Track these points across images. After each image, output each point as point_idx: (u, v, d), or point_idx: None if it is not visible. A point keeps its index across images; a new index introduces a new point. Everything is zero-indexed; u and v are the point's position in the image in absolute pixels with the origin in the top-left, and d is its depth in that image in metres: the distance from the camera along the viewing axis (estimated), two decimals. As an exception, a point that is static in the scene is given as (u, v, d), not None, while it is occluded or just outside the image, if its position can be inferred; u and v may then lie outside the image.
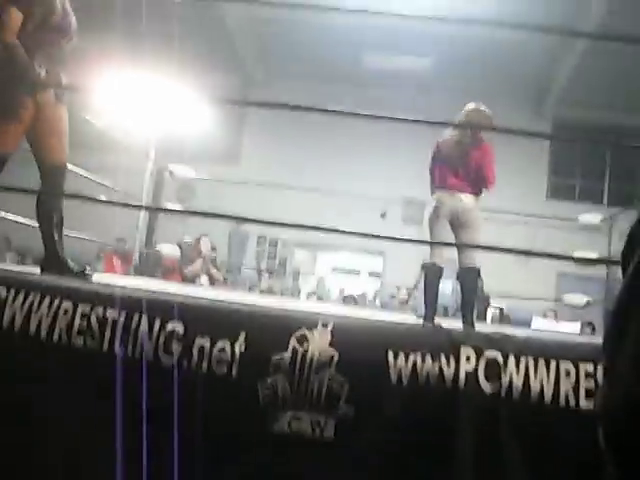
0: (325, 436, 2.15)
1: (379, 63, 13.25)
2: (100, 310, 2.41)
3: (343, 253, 14.98)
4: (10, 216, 4.75)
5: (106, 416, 2.30)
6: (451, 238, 4.23)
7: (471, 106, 4.30)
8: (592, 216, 7.54)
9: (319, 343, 2.17)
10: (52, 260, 3.55)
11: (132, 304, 2.40)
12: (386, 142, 12.73)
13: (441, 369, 2.13)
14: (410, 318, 5.20)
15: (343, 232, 4.87)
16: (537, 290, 11.35)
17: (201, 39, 11.86)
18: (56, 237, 3.61)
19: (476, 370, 2.14)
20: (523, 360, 2.17)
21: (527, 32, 10.11)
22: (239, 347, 2.21)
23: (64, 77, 3.62)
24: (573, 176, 14.96)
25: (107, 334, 2.37)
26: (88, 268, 3.54)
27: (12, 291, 2.53)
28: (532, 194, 13.91)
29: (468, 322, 3.97)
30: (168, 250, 8.32)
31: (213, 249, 8.63)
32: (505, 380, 2.14)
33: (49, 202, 3.60)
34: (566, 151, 14.69)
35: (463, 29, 10.96)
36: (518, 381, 2.14)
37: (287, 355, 2.17)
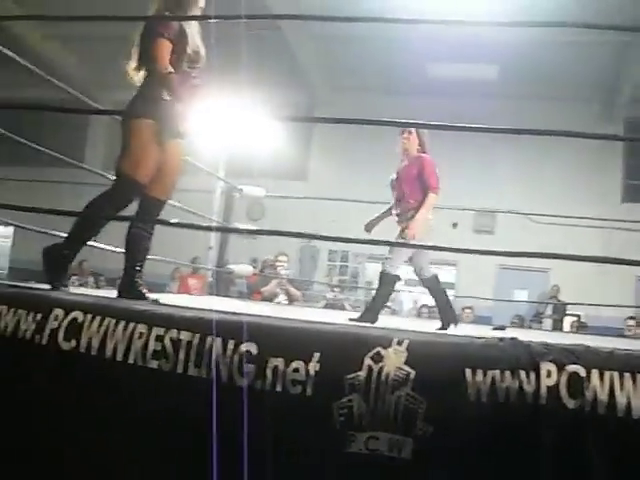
0: (403, 456, 2.10)
1: (445, 72, 13.14)
2: (174, 333, 2.42)
3: (414, 265, 14.84)
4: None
5: (180, 437, 2.31)
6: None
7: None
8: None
9: (394, 361, 2.13)
10: (130, 288, 3.60)
11: (205, 326, 2.41)
12: (454, 153, 12.59)
13: (521, 385, 2.06)
14: (485, 330, 5.11)
15: (413, 245, 4.87)
16: (615, 296, 11.04)
17: (265, 58, 11.98)
18: (138, 267, 3.65)
19: (558, 385, 2.07)
20: (607, 374, 2.08)
21: (594, 31, 9.88)
22: (313, 367, 2.19)
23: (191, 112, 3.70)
24: (648, 178, 14.53)
25: (181, 356, 2.39)
26: (160, 299, 3.55)
27: (88, 316, 2.58)
28: (606, 198, 13.57)
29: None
30: (240, 269, 8.36)
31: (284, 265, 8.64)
32: (589, 395, 2.05)
33: (141, 232, 3.64)
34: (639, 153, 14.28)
35: (529, 33, 10.78)
36: (602, 395, 2.06)
37: (362, 374, 2.13)
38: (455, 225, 13.11)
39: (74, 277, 11.49)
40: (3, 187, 14.55)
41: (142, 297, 3.51)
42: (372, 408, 2.11)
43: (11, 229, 14.36)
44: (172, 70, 3.44)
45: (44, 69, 4.57)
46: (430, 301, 12.10)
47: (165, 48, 3.45)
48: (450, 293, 13.95)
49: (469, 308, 11.29)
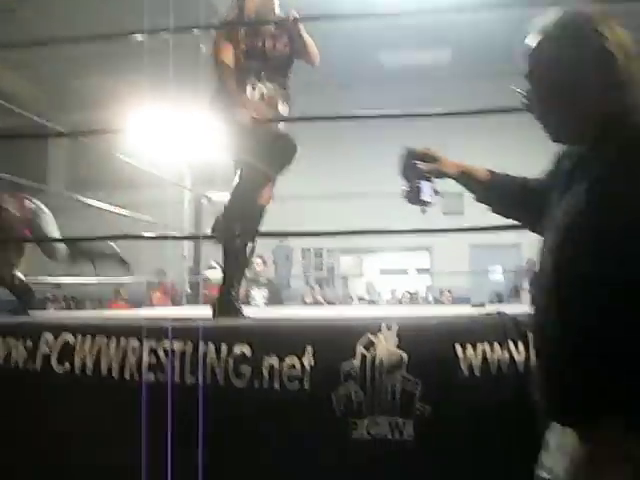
0: (405, 437, 2.15)
1: (398, 61, 13.21)
2: (167, 343, 2.45)
3: (389, 254, 14.93)
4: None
5: (187, 447, 2.33)
6: None
7: None
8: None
9: (386, 346, 2.18)
10: (226, 304, 3.41)
11: (196, 333, 2.44)
12: (413, 139, 12.64)
13: (511, 355, 2.12)
14: (466, 309, 5.18)
15: (388, 232, 4.87)
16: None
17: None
18: (235, 281, 3.49)
19: (546, 351, 2.12)
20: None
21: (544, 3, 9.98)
22: (308, 361, 2.23)
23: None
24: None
25: (177, 366, 2.41)
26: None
27: (79, 337, 2.59)
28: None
29: None
30: (215, 275, 8.37)
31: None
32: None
33: (239, 244, 3.49)
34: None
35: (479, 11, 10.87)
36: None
37: (356, 362, 2.18)
38: (424, 211, 13.19)
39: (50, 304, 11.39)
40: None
41: (238, 314, 3.36)
42: (370, 394, 2.16)
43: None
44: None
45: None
46: (411, 287, 12.24)
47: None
48: (427, 278, 14.11)
49: (448, 291, 11.40)
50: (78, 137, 5.29)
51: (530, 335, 2.13)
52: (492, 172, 1.94)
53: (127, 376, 2.48)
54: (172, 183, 7.29)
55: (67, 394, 2.58)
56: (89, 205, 5.67)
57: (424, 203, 1.98)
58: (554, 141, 1.58)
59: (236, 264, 3.52)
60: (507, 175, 1.94)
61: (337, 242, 13.39)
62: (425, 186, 1.96)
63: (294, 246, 13.05)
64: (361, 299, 11.74)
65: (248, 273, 8.33)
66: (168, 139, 6.99)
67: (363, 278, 14.73)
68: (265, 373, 2.27)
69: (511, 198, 1.88)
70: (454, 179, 1.95)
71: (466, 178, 1.94)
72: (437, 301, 11.89)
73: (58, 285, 11.90)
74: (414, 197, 1.96)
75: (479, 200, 1.96)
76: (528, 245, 13.11)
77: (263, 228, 3.65)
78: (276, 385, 2.26)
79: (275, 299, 8.46)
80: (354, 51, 12.43)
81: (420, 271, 15.07)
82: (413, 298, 11.68)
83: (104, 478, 2.44)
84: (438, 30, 11.22)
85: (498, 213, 1.96)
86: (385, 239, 12.17)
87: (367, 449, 2.18)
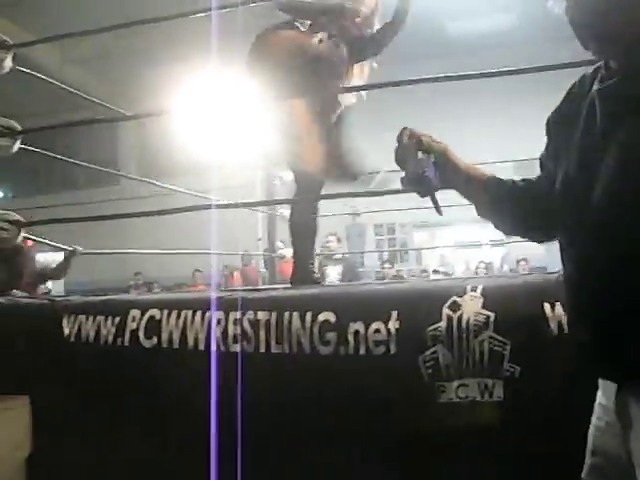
0: (494, 399, 2.12)
1: (463, 29, 12.99)
2: (251, 314, 2.47)
3: (462, 226, 14.70)
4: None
5: (273, 414, 2.35)
6: None
7: None
8: None
9: (472, 307, 2.15)
10: (300, 274, 3.49)
11: (280, 304, 2.46)
12: (494, 106, 12.40)
13: (601, 311, 2.06)
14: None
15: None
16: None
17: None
18: (306, 251, 3.54)
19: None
20: None
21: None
22: (393, 325, 2.22)
23: None
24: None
25: (262, 336, 2.43)
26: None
27: (165, 312, 2.64)
28: None
29: None
30: (290, 253, 8.39)
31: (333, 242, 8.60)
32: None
33: (301, 215, 3.55)
34: None
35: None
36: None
37: (442, 325, 2.16)
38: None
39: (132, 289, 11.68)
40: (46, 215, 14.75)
41: (315, 282, 3.43)
42: (457, 356, 2.13)
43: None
44: None
45: (68, 93, 4.49)
46: (485, 258, 12.04)
47: None
48: (501, 249, 13.87)
49: (524, 260, 11.19)
50: (147, 123, 5.34)
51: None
52: (486, 176, 1.69)
53: (213, 347, 2.52)
54: (243, 166, 7.31)
55: (155, 368, 2.63)
56: (162, 191, 5.76)
57: (433, 197, 1.60)
58: (598, 54, 1.42)
59: (305, 236, 3.53)
60: (499, 180, 1.70)
61: (409, 217, 13.27)
62: (432, 174, 1.57)
63: (367, 222, 13.01)
64: (436, 272, 11.63)
65: (322, 250, 8.36)
66: (238, 121, 7.02)
67: (436, 251, 14.58)
68: (351, 339, 2.27)
69: (509, 208, 1.66)
70: (454, 179, 1.66)
71: (464, 178, 1.67)
72: (512, 271, 11.71)
73: (139, 272, 12.20)
74: (421, 185, 1.58)
75: (481, 215, 1.74)
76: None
77: (336, 206, 3.65)
78: (362, 351, 2.26)
79: (350, 276, 8.44)
80: (420, 22, 12.27)
81: (494, 242, 14.81)
82: (488, 268, 11.53)
83: (194, 447, 2.48)
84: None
85: (503, 231, 1.77)
86: (458, 211, 12.00)
87: (456, 412, 2.16)
